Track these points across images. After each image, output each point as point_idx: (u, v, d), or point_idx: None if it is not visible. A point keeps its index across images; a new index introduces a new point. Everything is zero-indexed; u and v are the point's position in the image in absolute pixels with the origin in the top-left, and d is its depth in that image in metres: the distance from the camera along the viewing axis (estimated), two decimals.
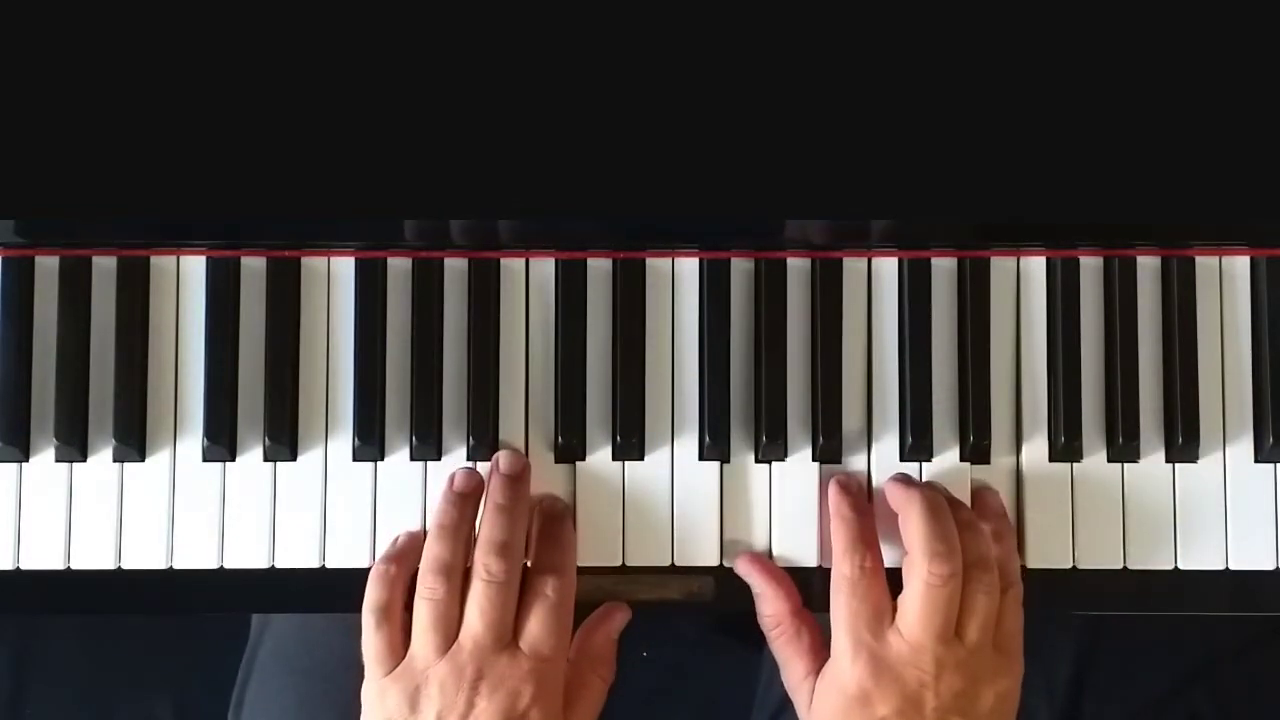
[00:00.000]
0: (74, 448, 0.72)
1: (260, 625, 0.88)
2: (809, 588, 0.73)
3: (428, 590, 0.68)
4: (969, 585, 0.68)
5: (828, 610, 0.70)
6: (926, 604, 0.67)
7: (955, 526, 0.69)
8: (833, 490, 0.72)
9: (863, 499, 0.72)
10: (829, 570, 0.72)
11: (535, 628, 0.68)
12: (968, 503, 0.73)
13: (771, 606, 0.72)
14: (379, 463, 0.73)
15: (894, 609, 0.69)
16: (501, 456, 0.72)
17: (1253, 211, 0.70)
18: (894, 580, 0.70)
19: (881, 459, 0.73)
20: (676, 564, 0.73)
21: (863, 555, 0.69)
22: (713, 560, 0.73)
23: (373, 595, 0.69)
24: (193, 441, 0.73)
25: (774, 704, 0.89)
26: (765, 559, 0.73)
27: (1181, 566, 0.73)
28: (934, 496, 0.70)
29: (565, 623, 0.69)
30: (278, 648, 0.86)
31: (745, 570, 0.72)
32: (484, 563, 0.68)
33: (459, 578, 0.69)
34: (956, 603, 0.68)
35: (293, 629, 0.86)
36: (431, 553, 0.69)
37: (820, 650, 0.71)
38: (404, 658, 0.68)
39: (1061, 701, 0.87)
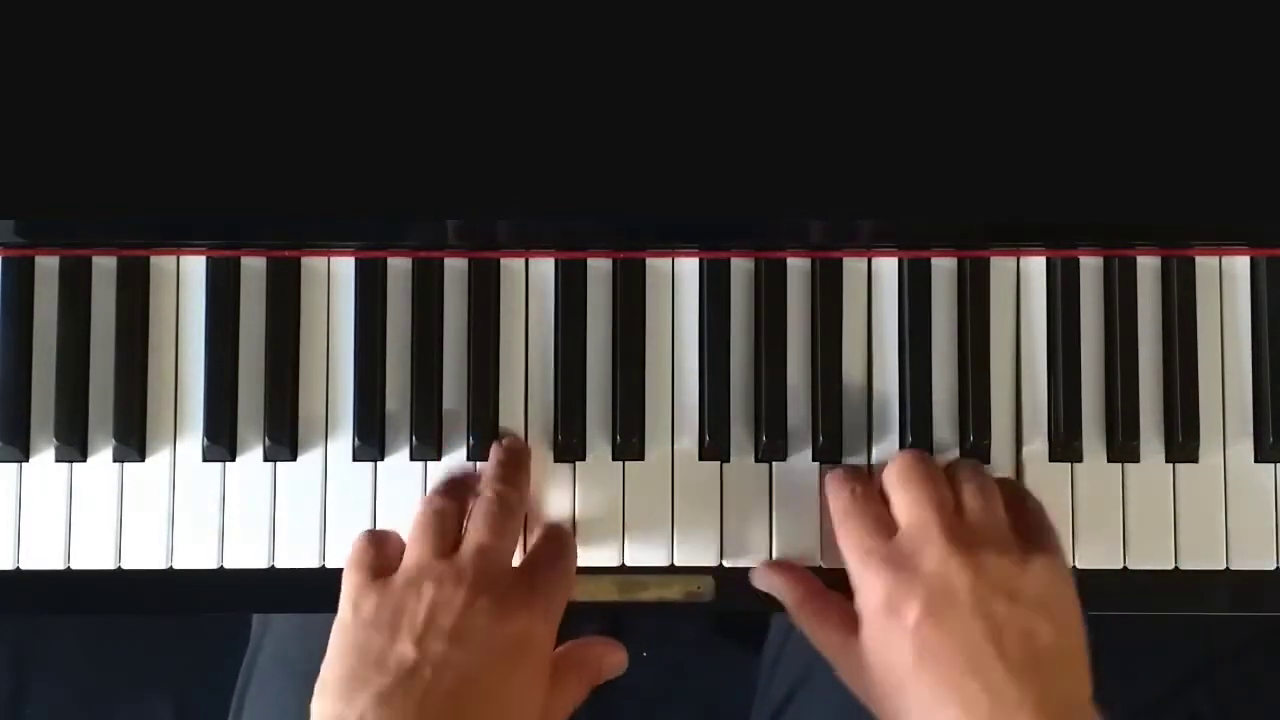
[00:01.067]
0: (74, 448, 0.72)
1: (261, 628, 0.88)
2: None
3: (428, 503, 0.69)
4: (951, 471, 0.69)
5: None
6: (908, 480, 0.67)
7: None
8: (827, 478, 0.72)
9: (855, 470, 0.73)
10: (830, 570, 0.72)
11: (476, 525, 0.67)
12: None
13: (792, 595, 0.71)
14: (379, 463, 0.73)
15: (894, 525, 0.68)
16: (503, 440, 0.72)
17: (1253, 211, 0.70)
18: None
19: (881, 459, 0.73)
20: (676, 564, 0.73)
21: (853, 484, 0.69)
22: (713, 560, 0.73)
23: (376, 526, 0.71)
24: (193, 441, 0.73)
25: (774, 704, 0.89)
26: (772, 562, 0.72)
27: (1181, 566, 0.73)
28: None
29: (512, 528, 0.68)
30: (278, 651, 0.86)
31: (761, 579, 0.72)
32: (489, 485, 0.68)
33: (463, 505, 0.69)
34: (943, 480, 0.68)
35: (293, 632, 0.86)
36: (435, 484, 0.72)
37: (850, 615, 0.68)
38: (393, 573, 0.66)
39: None
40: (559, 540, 0.71)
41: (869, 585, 0.66)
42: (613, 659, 0.71)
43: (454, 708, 0.62)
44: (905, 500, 0.68)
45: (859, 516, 0.68)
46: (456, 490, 0.71)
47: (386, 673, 0.62)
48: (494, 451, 0.71)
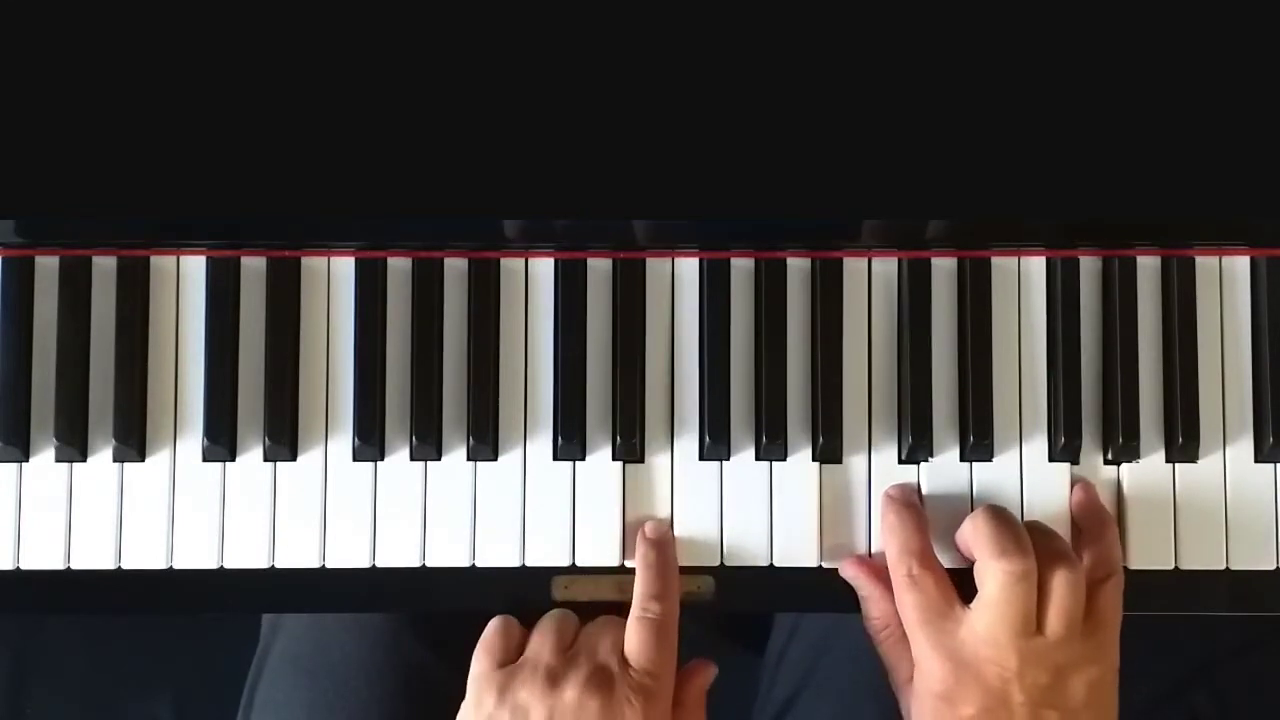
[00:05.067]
0: (74, 448, 0.72)
1: (272, 626, 0.88)
2: (811, 588, 0.73)
3: (559, 612, 0.71)
4: (1046, 576, 0.67)
5: (841, 610, 0.71)
6: (1001, 601, 0.67)
7: (1023, 530, 0.68)
8: (882, 501, 0.72)
9: (911, 504, 0.72)
10: (830, 570, 0.72)
11: (638, 647, 0.69)
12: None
13: (879, 608, 0.72)
14: (379, 463, 0.73)
15: (961, 603, 0.68)
16: (648, 525, 0.73)
17: (1253, 211, 0.70)
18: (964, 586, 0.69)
19: (881, 459, 0.73)
20: (677, 564, 0.73)
21: (909, 562, 0.69)
22: (713, 560, 0.73)
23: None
24: (193, 441, 0.73)
25: (777, 705, 0.89)
26: (871, 561, 0.72)
27: (1182, 566, 0.73)
28: (997, 506, 0.70)
29: (668, 645, 0.70)
30: (289, 649, 0.86)
31: (852, 574, 0.72)
32: (644, 602, 0.70)
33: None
34: (1034, 598, 0.67)
35: (304, 630, 0.86)
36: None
37: None
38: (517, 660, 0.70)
39: None
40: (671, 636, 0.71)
41: (931, 669, 0.68)
42: (705, 679, 0.73)
43: None
44: (988, 610, 0.67)
45: (924, 600, 0.69)
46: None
47: None
48: (643, 550, 0.72)
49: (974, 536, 0.69)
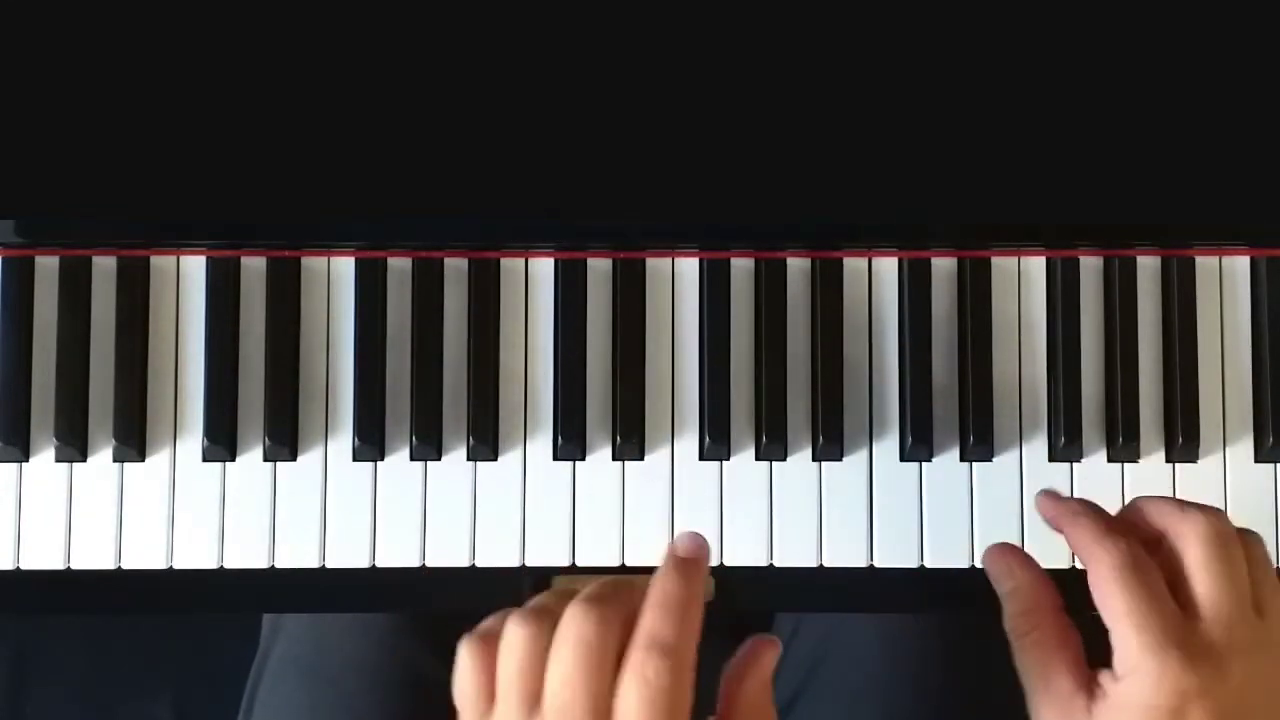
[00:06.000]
0: (74, 448, 0.72)
1: (272, 628, 0.88)
2: (812, 588, 0.73)
3: (511, 639, 0.56)
4: (1250, 553, 0.60)
5: (842, 610, 0.70)
6: (1219, 572, 0.58)
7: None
8: (1045, 503, 0.66)
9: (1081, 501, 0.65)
10: (829, 570, 0.72)
11: (626, 713, 0.53)
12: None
13: (1026, 603, 0.63)
14: (379, 463, 0.73)
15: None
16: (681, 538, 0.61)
17: (1253, 211, 0.70)
18: None
19: (881, 459, 0.73)
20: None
21: (1116, 539, 0.59)
22: (713, 560, 0.73)
23: (483, 623, 0.58)
24: (193, 441, 0.73)
25: (776, 706, 0.88)
26: (1020, 550, 0.65)
27: None
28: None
29: (675, 711, 0.54)
30: (289, 651, 0.86)
31: (999, 560, 0.64)
32: (655, 640, 0.54)
33: (549, 628, 0.55)
34: (1245, 571, 0.59)
35: (305, 632, 0.86)
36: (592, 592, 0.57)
37: (1084, 662, 0.61)
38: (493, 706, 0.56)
39: None
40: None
41: (1158, 676, 0.57)
42: (766, 665, 0.61)
43: None
44: (1207, 586, 0.59)
45: (1142, 588, 0.58)
46: (615, 603, 0.56)
47: None
48: (662, 576, 0.57)
49: (1178, 523, 0.61)
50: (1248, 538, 0.62)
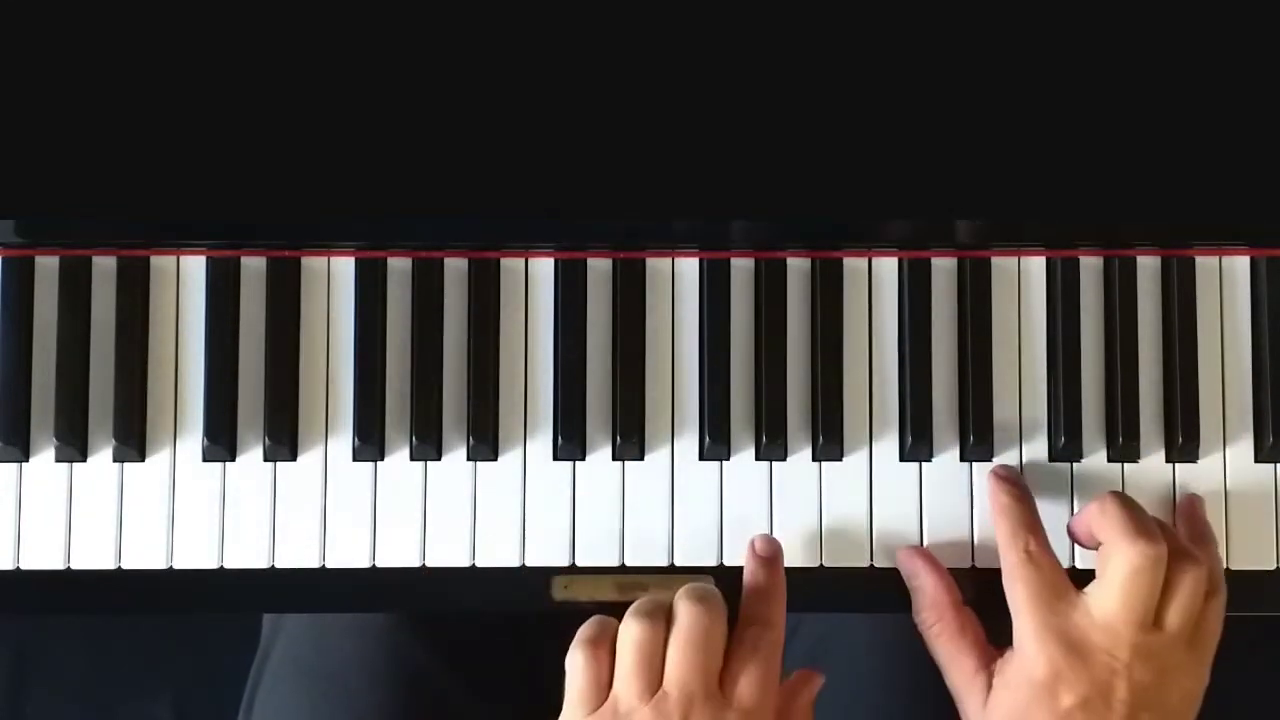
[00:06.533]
0: (74, 448, 0.72)
1: (273, 627, 0.88)
2: (811, 588, 0.73)
3: (632, 632, 0.65)
4: (1174, 570, 0.65)
5: (841, 609, 0.70)
6: (1129, 587, 0.65)
7: (1153, 518, 0.67)
8: (990, 482, 0.71)
9: (1021, 484, 0.71)
10: (829, 570, 0.72)
11: (743, 681, 0.65)
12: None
13: (932, 600, 0.70)
14: (379, 463, 0.73)
15: (1074, 589, 0.67)
16: (758, 539, 0.71)
17: (1253, 211, 0.70)
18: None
19: (881, 459, 0.73)
20: (676, 564, 0.73)
21: (1027, 538, 0.68)
22: (713, 560, 0.73)
23: (587, 629, 0.67)
24: (193, 441, 0.73)
25: None
26: (928, 551, 0.71)
27: None
28: (1124, 494, 0.69)
29: (773, 677, 0.66)
30: (289, 651, 0.86)
31: (909, 562, 0.71)
32: (757, 624, 0.67)
33: (663, 623, 0.66)
34: (1159, 588, 0.65)
35: (306, 631, 0.86)
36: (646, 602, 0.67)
37: (985, 645, 0.69)
38: (607, 699, 0.65)
39: None
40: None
41: (1034, 652, 0.66)
42: (812, 689, 0.70)
43: None
44: (1111, 596, 0.65)
45: (1038, 582, 0.67)
46: (718, 598, 0.68)
47: None
48: (752, 568, 0.70)
49: (1102, 519, 0.67)
50: (1184, 565, 0.66)
